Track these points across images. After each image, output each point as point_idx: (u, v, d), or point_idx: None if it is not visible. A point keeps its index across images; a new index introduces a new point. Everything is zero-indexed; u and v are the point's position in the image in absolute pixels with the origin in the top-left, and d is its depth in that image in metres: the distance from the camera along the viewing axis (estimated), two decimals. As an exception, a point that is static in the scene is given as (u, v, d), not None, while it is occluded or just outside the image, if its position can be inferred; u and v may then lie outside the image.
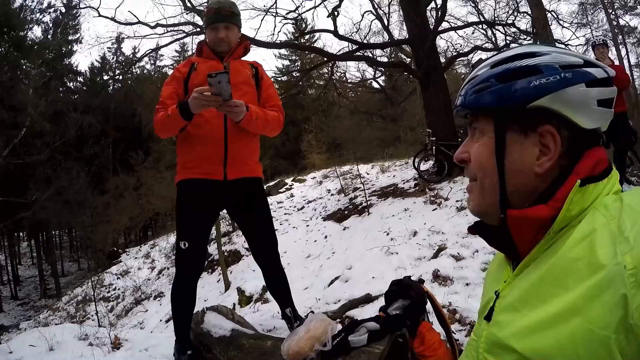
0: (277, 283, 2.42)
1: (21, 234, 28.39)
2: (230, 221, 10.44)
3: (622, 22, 19.00)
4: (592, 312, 0.51)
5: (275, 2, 10.21)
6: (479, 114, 0.71)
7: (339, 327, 1.68)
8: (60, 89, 26.80)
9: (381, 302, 2.66)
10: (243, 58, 2.38)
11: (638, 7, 18.11)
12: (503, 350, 0.63)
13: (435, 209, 5.93)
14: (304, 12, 11.58)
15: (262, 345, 1.94)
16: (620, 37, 18.31)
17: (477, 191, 0.72)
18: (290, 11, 10.84)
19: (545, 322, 0.56)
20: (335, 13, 10.54)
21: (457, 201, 5.74)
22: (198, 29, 9.17)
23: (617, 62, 7.30)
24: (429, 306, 1.69)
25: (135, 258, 13.55)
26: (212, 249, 8.32)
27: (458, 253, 3.42)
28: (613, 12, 18.42)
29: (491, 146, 0.68)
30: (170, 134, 2.30)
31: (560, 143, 0.64)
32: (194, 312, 2.39)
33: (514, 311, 0.63)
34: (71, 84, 29.47)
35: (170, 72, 2.37)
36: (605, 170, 0.64)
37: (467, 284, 2.84)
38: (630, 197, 0.58)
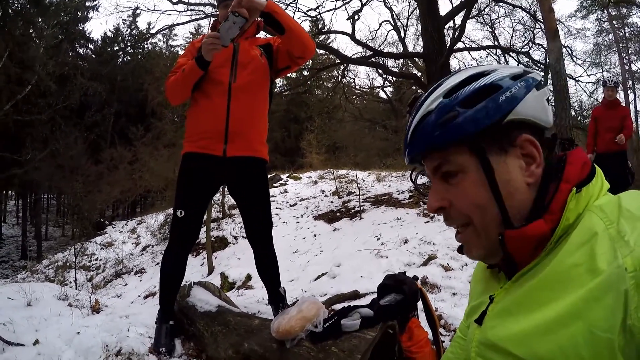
0: (268, 265, 2.40)
1: (10, 192, 28.21)
2: (220, 208, 10.42)
3: (634, 67, 19.29)
4: (593, 315, 0.50)
5: (297, -1, 10.23)
6: (450, 151, 0.67)
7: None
8: (70, 53, 26.66)
9: (369, 300, 2.67)
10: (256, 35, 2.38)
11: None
12: (498, 353, 0.62)
13: (428, 221, 5.96)
14: (324, 12, 11.65)
15: (248, 322, 1.93)
16: (630, 81, 18.57)
17: (476, 234, 0.68)
18: (311, 9, 10.91)
19: (544, 326, 0.55)
20: (356, 17, 10.62)
21: (450, 217, 5.74)
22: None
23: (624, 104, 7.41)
24: (419, 304, 1.71)
25: (121, 232, 13.50)
26: (200, 232, 8.28)
27: (447, 264, 3.43)
28: (627, 57, 18.68)
29: (481, 178, 0.65)
30: (184, 95, 2.25)
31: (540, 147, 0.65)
32: (181, 285, 2.39)
33: (509, 315, 0.62)
34: (81, 49, 29.45)
35: (181, 52, 2.37)
36: (592, 170, 0.65)
37: (454, 294, 2.86)
38: (628, 201, 0.58)
